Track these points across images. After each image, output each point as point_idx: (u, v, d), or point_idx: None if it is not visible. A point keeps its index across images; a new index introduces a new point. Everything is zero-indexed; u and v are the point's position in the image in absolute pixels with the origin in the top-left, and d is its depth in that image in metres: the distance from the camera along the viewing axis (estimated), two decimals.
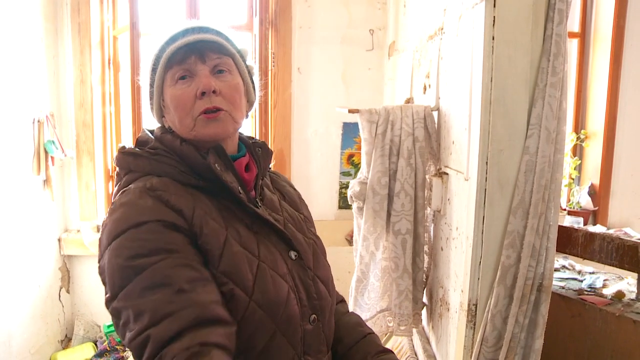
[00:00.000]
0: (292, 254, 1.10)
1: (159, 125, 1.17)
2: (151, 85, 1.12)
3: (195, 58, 1.06)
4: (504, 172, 1.59)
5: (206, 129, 1.06)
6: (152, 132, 1.14)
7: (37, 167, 2.82)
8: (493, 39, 1.54)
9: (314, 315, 1.08)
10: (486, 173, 1.60)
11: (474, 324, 1.67)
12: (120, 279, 0.90)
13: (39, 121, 2.82)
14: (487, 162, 1.59)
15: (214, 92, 1.05)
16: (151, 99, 1.14)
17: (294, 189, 1.35)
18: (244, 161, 1.14)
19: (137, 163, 1.07)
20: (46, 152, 2.86)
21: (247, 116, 1.20)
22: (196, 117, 1.05)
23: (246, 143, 1.20)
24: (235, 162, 1.11)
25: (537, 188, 1.56)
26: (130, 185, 1.03)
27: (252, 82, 1.19)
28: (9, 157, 2.54)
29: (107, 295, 0.92)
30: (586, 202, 3.34)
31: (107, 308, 0.92)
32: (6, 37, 2.51)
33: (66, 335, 3.31)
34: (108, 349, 2.95)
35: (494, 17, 1.54)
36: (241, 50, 1.16)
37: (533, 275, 1.60)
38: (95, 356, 2.94)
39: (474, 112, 1.64)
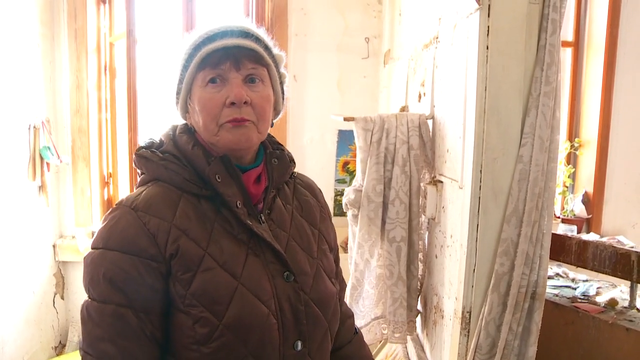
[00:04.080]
0: (286, 275, 1.05)
1: (183, 121, 1.14)
2: (180, 82, 1.08)
3: (230, 64, 1.02)
4: (498, 180, 1.60)
5: (230, 135, 1.03)
6: (176, 128, 1.13)
7: (32, 173, 2.81)
8: (487, 48, 1.56)
9: (299, 342, 1.04)
10: (480, 181, 1.61)
11: (468, 332, 1.68)
12: (87, 289, 0.99)
13: (34, 127, 2.82)
14: (481, 171, 1.60)
15: (245, 102, 1.02)
16: (178, 94, 1.10)
17: (317, 199, 1.27)
18: (255, 173, 1.10)
19: (147, 166, 1.07)
20: (42, 158, 2.86)
21: (272, 125, 1.15)
22: (222, 124, 1.03)
23: (266, 151, 1.17)
24: (245, 174, 1.08)
25: (531, 196, 1.57)
26: (127, 195, 1.05)
27: (282, 92, 1.16)
28: (4, 162, 2.54)
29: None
30: (580, 210, 3.36)
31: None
32: (3, 43, 2.51)
33: (60, 342, 3.29)
34: None
35: (488, 27, 1.55)
36: (277, 58, 1.12)
37: (527, 283, 1.61)
38: None
39: (468, 120, 1.65)
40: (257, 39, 1.07)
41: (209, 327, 0.95)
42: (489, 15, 1.55)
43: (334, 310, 1.14)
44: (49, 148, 2.90)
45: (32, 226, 2.87)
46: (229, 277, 0.99)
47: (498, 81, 1.57)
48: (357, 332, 1.33)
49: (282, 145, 1.23)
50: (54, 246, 3.18)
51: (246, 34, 1.05)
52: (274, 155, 1.16)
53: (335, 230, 1.32)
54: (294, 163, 1.23)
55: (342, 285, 1.33)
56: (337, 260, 1.29)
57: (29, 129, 2.79)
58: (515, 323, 1.62)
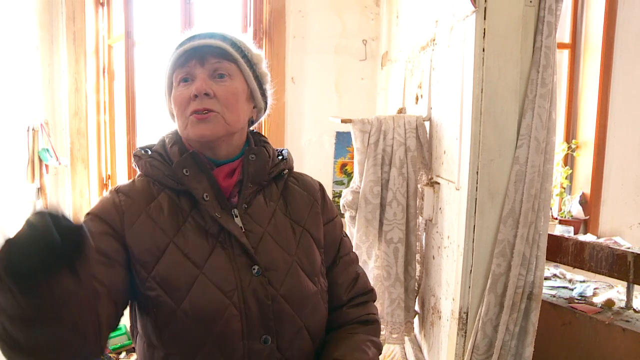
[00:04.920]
0: (254, 269, 1.06)
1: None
2: (165, 88, 1.17)
3: (195, 62, 1.09)
4: (494, 181, 1.62)
5: (195, 128, 1.08)
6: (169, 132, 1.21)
7: (31, 175, 2.82)
8: (483, 50, 1.57)
9: (267, 336, 1.05)
10: (477, 183, 1.62)
11: (465, 332, 1.69)
12: None
13: (33, 129, 2.83)
14: (477, 172, 1.61)
15: (206, 94, 1.07)
16: (166, 101, 1.19)
17: (312, 194, 1.25)
18: (228, 167, 1.14)
19: (139, 164, 1.15)
20: (40, 160, 2.87)
21: (252, 122, 1.22)
22: (188, 116, 1.09)
23: (247, 147, 1.19)
24: (218, 168, 1.12)
25: (527, 197, 1.58)
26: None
27: (261, 89, 1.19)
28: (3, 165, 2.55)
29: None
30: (577, 211, 3.37)
31: None
32: (2, 45, 2.52)
33: None
34: (102, 357, 2.95)
35: (484, 29, 1.57)
36: (250, 56, 1.15)
37: (523, 284, 1.62)
38: None
39: (464, 122, 1.66)
40: (224, 38, 1.12)
41: (167, 312, 1.01)
42: (485, 18, 1.56)
43: (313, 308, 1.13)
44: (47, 150, 2.90)
45: None
46: (191, 265, 1.03)
47: (494, 83, 1.58)
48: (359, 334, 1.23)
49: (268, 143, 1.25)
50: None
51: (212, 35, 1.12)
52: (252, 152, 1.17)
53: (340, 229, 1.27)
54: (287, 161, 1.24)
55: (357, 288, 1.26)
56: (339, 259, 1.25)
57: (28, 131, 2.80)
58: (512, 323, 1.63)
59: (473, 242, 1.65)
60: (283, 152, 1.27)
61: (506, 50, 1.58)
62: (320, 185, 1.31)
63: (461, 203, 1.69)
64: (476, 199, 1.63)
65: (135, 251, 1.03)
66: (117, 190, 1.10)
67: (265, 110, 1.24)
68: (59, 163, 3.04)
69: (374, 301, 1.31)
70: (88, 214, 1.07)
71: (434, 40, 2.06)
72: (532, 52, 1.59)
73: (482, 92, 1.58)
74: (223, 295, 1.02)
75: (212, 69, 1.09)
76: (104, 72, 3.39)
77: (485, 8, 1.56)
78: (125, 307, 1.06)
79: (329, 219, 1.26)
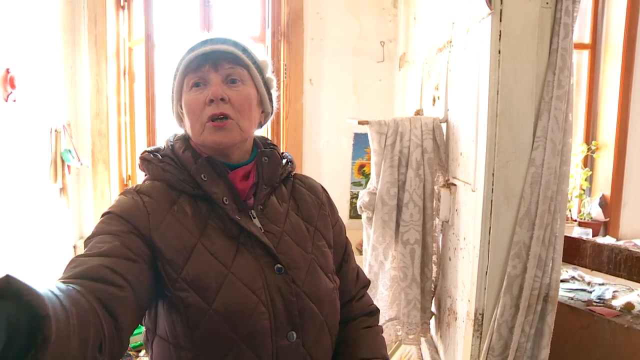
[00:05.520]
0: (277, 268, 1.09)
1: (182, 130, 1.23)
2: (172, 91, 1.17)
3: (209, 67, 1.11)
4: (510, 183, 1.62)
5: (213, 136, 1.10)
6: (176, 136, 1.22)
7: (54, 176, 2.88)
8: (499, 52, 1.58)
9: (292, 332, 1.07)
10: (492, 184, 1.62)
11: (481, 333, 1.69)
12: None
13: (56, 130, 2.88)
14: (493, 174, 1.62)
15: (222, 99, 1.09)
16: (172, 104, 1.19)
17: (318, 197, 1.31)
18: (243, 170, 1.16)
19: (149, 168, 1.15)
20: (63, 161, 2.92)
21: (260, 126, 1.25)
22: (204, 123, 1.10)
23: (258, 150, 1.23)
24: (233, 171, 1.15)
25: (543, 199, 1.58)
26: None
27: (269, 94, 1.22)
28: (27, 166, 2.60)
29: None
30: (597, 213, 3.33)
31: None
32: (27, 49, 2.58)
33: None
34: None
35: (500, 31, 1.57)
36: (259, 62, 1.18)
37: (539, 286, 1.62)
38: None
39: (480, 124, 1.66)
40: (236, 44, 1.15)
41: (199, 312, 1.00)
42: (500, 20, 1.56)
43: (331, 305, 1.17)
44: (69, 151, 2.96)
45: (53, 227, 2.93)
46: (219, 265, 1.04)
47: (510, 85, 1.58)
48: (373, 327, 1.33)
49: (275, 145, 1.29)
50: (74, 247, 3.24)
51: (224, 41, 1.14)
52: (265, 154, 1.22)
53: (344, 229, 1.35)
54: (292, 163, 1.29)
55: (360, 281, 1.36)
56: (347, 257, 1.33)
57: (51, 132, 2.85)
58: (528, 325, 1.63)
59: (489, 243, 1.65)
60: (286, 155, 1.31)
61: (522, 52, 1.58)
62: (323, 187, 1.36)
63: (477, 205, 1.69)
64: (492, 200, 1.63)
65: (164, 252, 1.03)
66: (138, 192, 1.09)
67: (271, 115, 1.27)
68: (81, 164, 3.10)
69: None
70: (108, 212, 1.06)
71: (450, 42, 2.06)
72: (549, 54, 1.59)
73: (497, 94, 1.59)
74: (252, 294, 1.04)
75: (225, 75, 1.12)
76: (124, 74, 3.44)
77: (501, 10, 1.56)
78: (148, 306, 1.05)
79: (336, 221, 1.32)
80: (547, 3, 1.57)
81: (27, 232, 2.59)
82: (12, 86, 2.34)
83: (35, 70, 2.66)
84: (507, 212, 1.63)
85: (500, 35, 1.57)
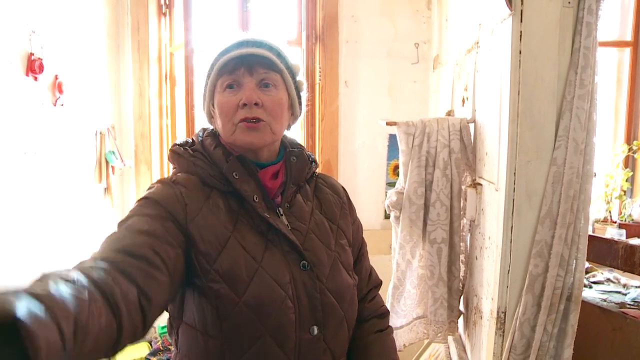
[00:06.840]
0: (303, 265, 1.13)
1: (211, 126, 1.27)
2: (204, 90, 1.21)
3: (244, 70, 1.14)
4: (531, 182, 1.62)
5: (245, 135, 1.14)
6: (204, 131, 1.26)
7: (98, 176, 3.01)
8: (520, 52, 1.59)
9: (315, 326, 1.12)
10: (514, 183, 1.63)
11: (503, 332, 1.70)
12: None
13: (101, 133, 3.02)
14: (515, 173, 1.63)
15: (255, 104, 1.13)
16: (203, 101, 1.23)
17: (340, 197, 1.36)
18: (272, 169, 1.20)
19: (179, 162, 1.19)
20: (107, 162, 3.06)
21: (289, 128, 1.29)
22: (237, 123, 1.14)
23: (286, 150, 1.27)
24: (263, 170, 1.19)
25: (565, 199, 1.58)
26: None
27: (299, 98, 1.26)
28: (74, 166, 2.74)
29: None
30: (638, 214, 3.25)
31: None
32: (74, 56, 2.72)
33: None
34: (161, 348, 3.10)
35: (521, 31, 1.58)
36: (291, 67, 1.22)
37: (562, 285, 1.61)
38: (149, 354, 3.10)
39: (502, 124, 1.68)
40: (270, 48, 1.18)
41: (229, 303, 1.04)
42: (521, 20, 1.58)
43: (351, 301, 1.22)
44: (113, 152, 3.09)
45: (98, 226, 3.07)
46: (251, 259, 1.08)
47: (531, 85, 1.59)
48: (384, 330, 1.37)
49: (302, 146, 1.33)
50: None
51: (260, 44, 1.17)
52: (293, 154, 1.26)
53: (362, 229, 1.40)
54: (316, 164, 1.33)
55: (372, 280, 1.40)
56: (361, 256, 1.37)
57: (96, 135, 2.99)
58: (550, 324, 1.63)
59: (510, 242, 1.66)
60: (310, 155, 1.34)
61: (543, 52, 1.58)
62: (343, 187, 1.42)
63: (500, 204, 1.70)
64: (513, 199, 1.64)
65: (198, 243, 1.05)
66: (175, 182, 1.12)
67: (299, 117, 1.31)
68: (124, 164, 3.23)
69: None
70: (146, 197, 1.08)
71: (477, 43, 2.07)
72: (571, 53, 1.59)
73: (518, 94, 1.60)
74: (280, 289, 1.08)
75: (259, 79, 1.15)
76: (166, 78, 3.57)
77: (521, 11, 1.57)
78: (179, 290, 1.07)
79: (354, 220, 1.37)
80: (569, 2, 1.57)
81: (72, 229, 2.72)
82: (60, 91, 2.47)
83: (81, 75, 2.80)
84: (529, 211, 1.63)
85: (520, 36, 1.58)
